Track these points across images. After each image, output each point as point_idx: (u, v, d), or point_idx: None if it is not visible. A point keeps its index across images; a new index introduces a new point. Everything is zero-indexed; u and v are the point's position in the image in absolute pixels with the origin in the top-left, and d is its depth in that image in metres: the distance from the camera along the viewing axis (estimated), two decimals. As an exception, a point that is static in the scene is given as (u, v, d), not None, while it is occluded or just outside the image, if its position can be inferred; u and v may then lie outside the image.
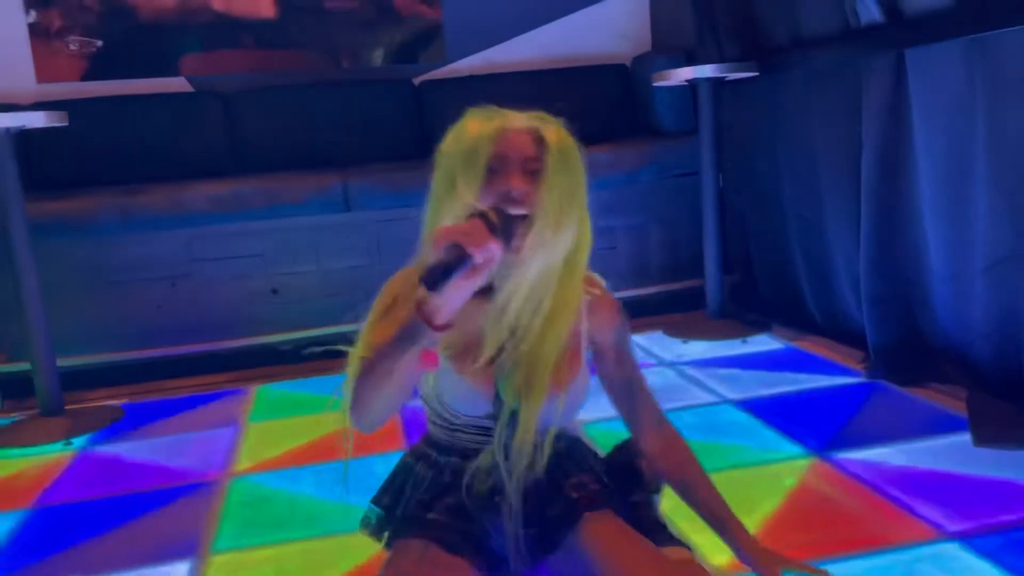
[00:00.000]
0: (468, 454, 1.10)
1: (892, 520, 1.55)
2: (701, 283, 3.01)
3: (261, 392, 2.68)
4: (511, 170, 1.01)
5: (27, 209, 2.40)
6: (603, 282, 1.20)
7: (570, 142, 1.07)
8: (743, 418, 2.13)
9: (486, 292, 1.04)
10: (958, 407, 2.02)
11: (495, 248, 0.92)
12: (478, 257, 0.90)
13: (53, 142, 3.04)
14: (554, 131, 1.05)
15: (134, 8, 3.43)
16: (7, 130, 2.31)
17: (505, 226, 0.97)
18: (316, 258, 3.04)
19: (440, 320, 0.92)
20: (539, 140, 1.03)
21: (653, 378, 2.49)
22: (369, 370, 1.01)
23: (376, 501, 1.20)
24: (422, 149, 3.94)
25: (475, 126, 1.05)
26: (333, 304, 3.05)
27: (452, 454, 1.13)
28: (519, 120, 1.05)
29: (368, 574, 1.46)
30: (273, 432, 2.30)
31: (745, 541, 1.07)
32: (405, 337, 0.95)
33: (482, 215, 0.96)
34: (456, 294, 0.91)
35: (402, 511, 1.14)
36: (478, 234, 0.91)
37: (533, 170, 1.02)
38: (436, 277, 0.89)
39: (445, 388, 1.10)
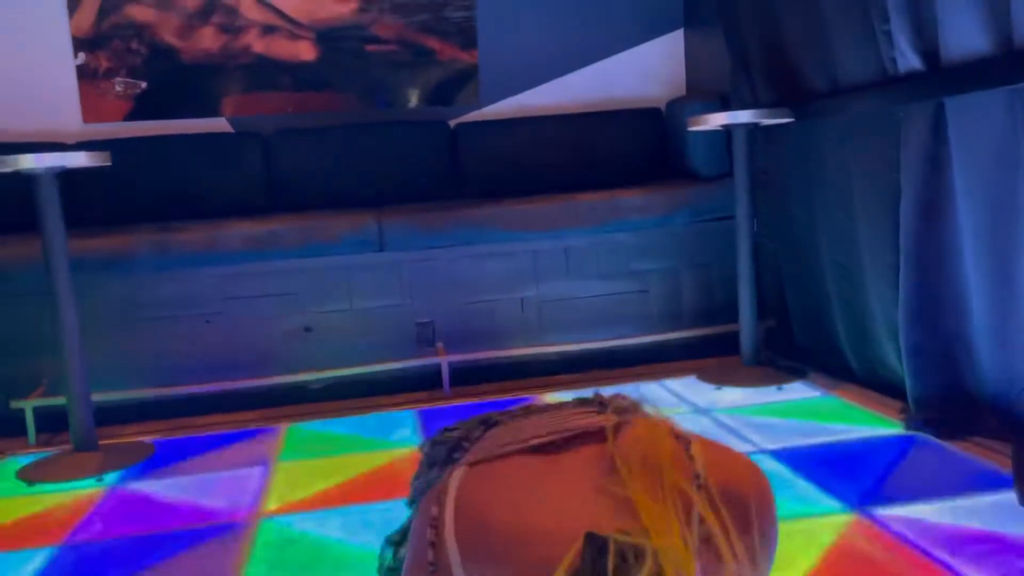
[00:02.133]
0: None
1: (935, 582, 1.50)
2: (735, 328, 2.98)
3: (292, 431, 2.68)
4: None
5: (68, 246, 2.45)
6: None
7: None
8: (779, 469, 2.08)
9: None
10: (1003, 463, 1.96)
11: None
12: None
13: (96, 180, 3.11)
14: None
15: (178, 51, 3.52)
16: (51, 169, 2.36)
17: None
18: (349, 297, 3.06)
19: None
20: None
21: (686, 425, 2.44)
22: None
23: (389, 540, 1.18)
24: (456, 190, 4.01)
25: None
26: (366, 343, 3.06)
27: None
28: None
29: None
30: (303, 472, 2.30)
31: None
32: None
33: None
34: None
35: None
36: None
37: None
38: None
39: None
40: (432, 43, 3.73)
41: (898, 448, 2.16)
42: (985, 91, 1.96)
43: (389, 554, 1.16)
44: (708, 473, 0.90)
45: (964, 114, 2.06)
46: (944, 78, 2.11)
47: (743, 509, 0.91)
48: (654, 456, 0.85)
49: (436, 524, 0.94)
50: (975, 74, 1.99)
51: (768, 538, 0.94)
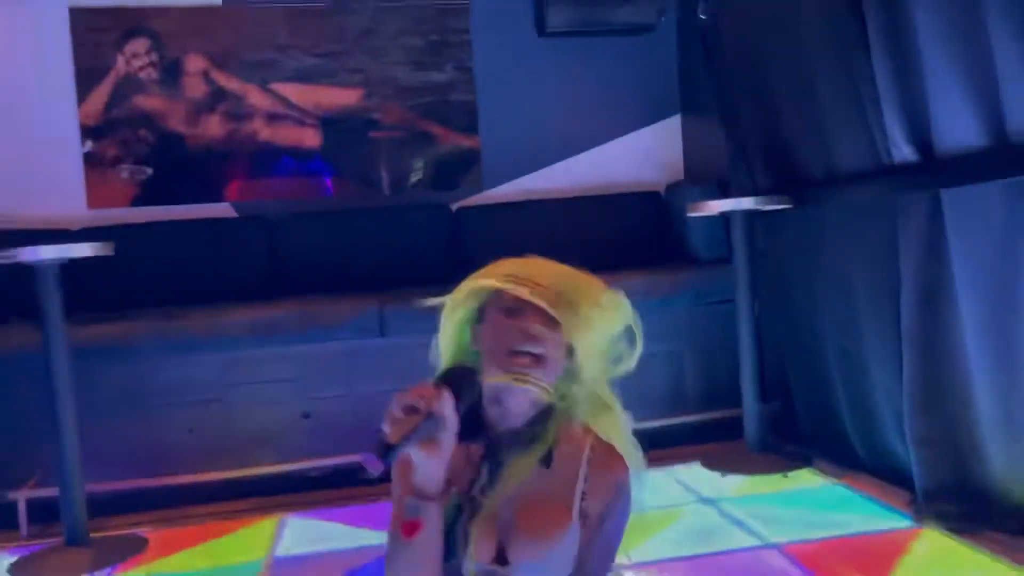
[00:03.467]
0: None
1: None
2: (739, 412, 2.94)
3: (290, 523, 2.62)
4: (528, 312, 1.08)
5: (69, 334, 2.44)
6: (629, 449, 1.18)
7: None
8: (788, 567, 2.02)
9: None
10: (1017, 558, 1.91)
11: (447, 400, 0.96)
12: (436, 410, 0.95)
13: (100, 265, 3.09)
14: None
15: (184, 138, 3.58)
16: (54, 261, 2.37)
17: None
18: (349, 383, 3.04)
19: (431, 488, 0.90)
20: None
21: (692, 517, 2.40)
22: (394, 550, 0.99)
23: None
24: (459, 275, 3.99)
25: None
26: (364, 430, 3.02)
27: None
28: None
29: None
30: (299, 567, 2.24)
31: None
32: (407, 512, 0.93)
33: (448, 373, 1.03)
34: (428, 460, 0.90)
35: None
36: (427, 392, 0.97)
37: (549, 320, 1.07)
38: (383, 450, 0.89)
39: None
40: (435, 128, 3.80)
41: (908, 542, 2.11)
42: (980, 184, 1.98)
43: None
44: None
45: (961, 205, 2.07)
46: (939, 170, 2.14)
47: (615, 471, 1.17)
48: None
49: None
50: (969, 167, 2.02)
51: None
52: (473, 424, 1.10)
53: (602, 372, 1.12)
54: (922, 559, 2.02)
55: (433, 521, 0.99)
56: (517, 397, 1.09)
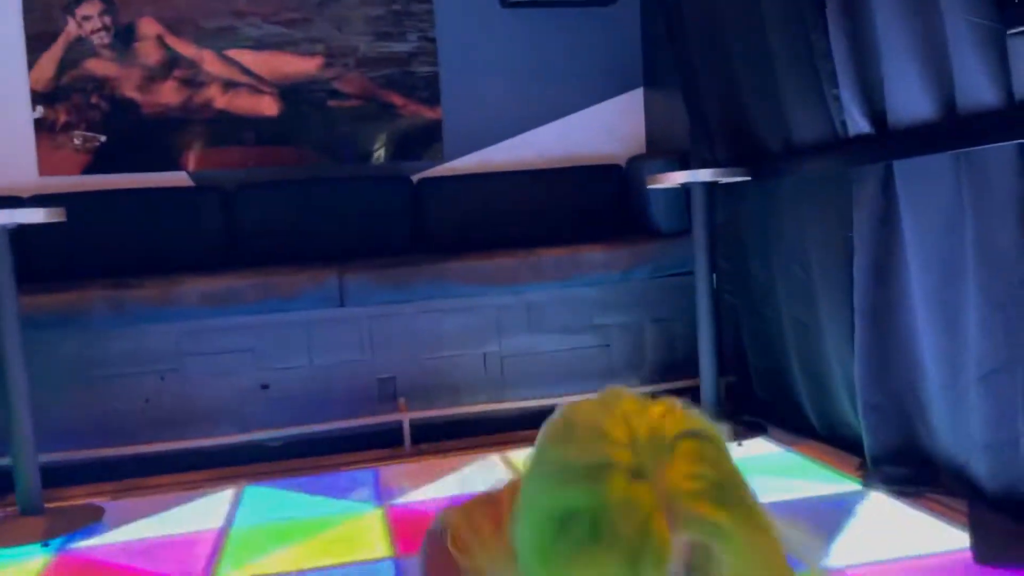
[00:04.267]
0: None
1: (895, 645, 1.49)
2: (697, 383, 2.99)
3: (247, 492, 2.61)
4: None
5: (20, 303, 2.39)
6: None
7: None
8: (739, 528, 2.07)
9: None
10: (959, 520, 1.98)
11: None
12: None
13: (51, 234, 3.04)
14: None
15: (139, 105, 3.51)
16: (3, 226, 2.32)
17: None
18: (308, 353, 3.02)
19: None
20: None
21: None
22: None
23: None
24: (419, 245, 4.00)
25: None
26: (325, 400, 3.02)
27: None
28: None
29: None
30: (258, 536, 2.24)
31: None
32: None
33: None
34: None
35: None
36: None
37: None
38: None
39: None
40: (396, 99, 3.77)
41: (855, 505, 2.17)
42: (931, 155, 2.03)
43: None
44: None
45: (912, 176, 2.12)
46: (891, 142, 2.18)
47: None
48: None
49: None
50: (920, 139, 2.06)
51: None
52: None
53: None
54: (869, 520, 2.08)
55: None
56: None
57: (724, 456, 0.74)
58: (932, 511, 2.08)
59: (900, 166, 2.15)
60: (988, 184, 1.88)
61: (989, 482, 1.97)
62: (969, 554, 1.80)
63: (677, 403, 0.77)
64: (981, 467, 1.99)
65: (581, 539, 0.67)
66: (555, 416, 0.79)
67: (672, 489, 0.68)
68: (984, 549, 1.78)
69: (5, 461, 2.46)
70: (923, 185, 2.08)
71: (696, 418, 0.75)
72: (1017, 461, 1.88)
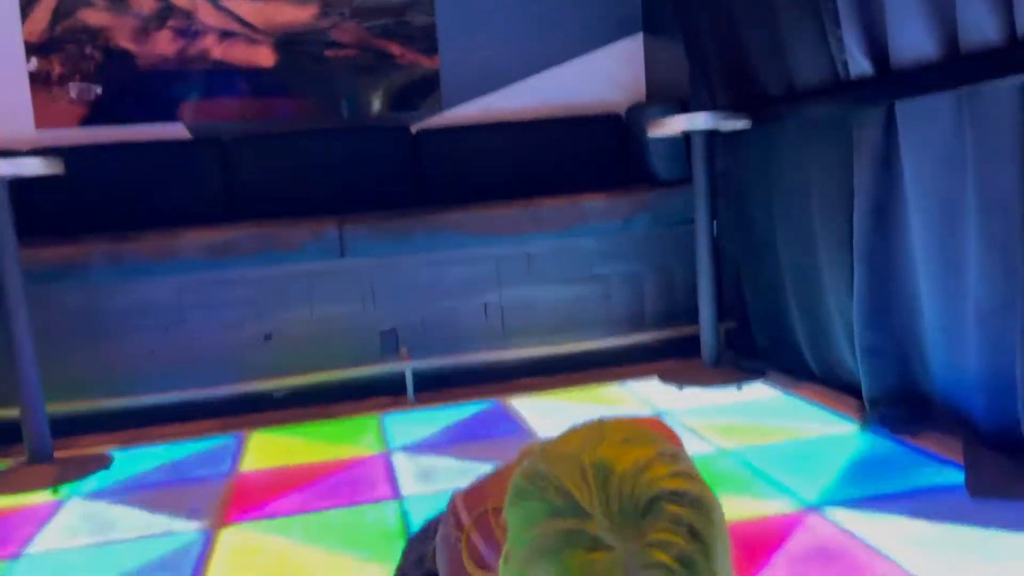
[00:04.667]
0: None
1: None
2: (697, 330, 3.01)
3: (253, 439, 2.65)
4: None
5: (21, 255, 2.40)
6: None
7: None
8: (738, 468, 2.11)
9: None
10: (955, 457, 2.01)
11: None
12: None
13: (50, 188, 3.04)
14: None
15: (134, 56, 3.48)
16: (2, 178, 2.32)
17: None
18: (310, 304, 3.04)
19: None
20: None
21: (648, 427, 2.47)
22: None
23: None
24: (418, 196, 3.99)
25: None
26: (328, 351, 3.04)
27: None
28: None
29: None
30: (264, 480, 2.28)
31: None
32: None
33: None
34: None
35: None
36: None
37: None
38: None
39: None
40: (393, 48, 3.73)
41: (854, 445, 2.20)
42: (932, 95, 2.01)
43: None
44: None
45: (914, 118, 2.11)
46: (893, 82, 2.16)
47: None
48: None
49: (458, 524, 0.95)
50: (922, 78, 2.04)
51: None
52: None
53: None
54: (865, 458, 2.11)
55: None
56: None
57: (705, 521, 0.71)
58: (928, 450, 2.11)
59: (902, 107, 2.14)
60: (990, 124, 1.87)
61: (984, 421, 1.99)
62: (963, 490, 1.83)
63: (665, 447, 0.75)
64: (977, 406, 2.01)
65: None
66: (531, 460, 0.76)
67: (637, 559, 0.68)
68: (978, 484, 1.81)
69: (14, 412, 2.49)
70: (925, 126, 2.07)
71: (681, 475, 0.73)
72: (1013, 400, 1.90)
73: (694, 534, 0.70)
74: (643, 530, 0.69)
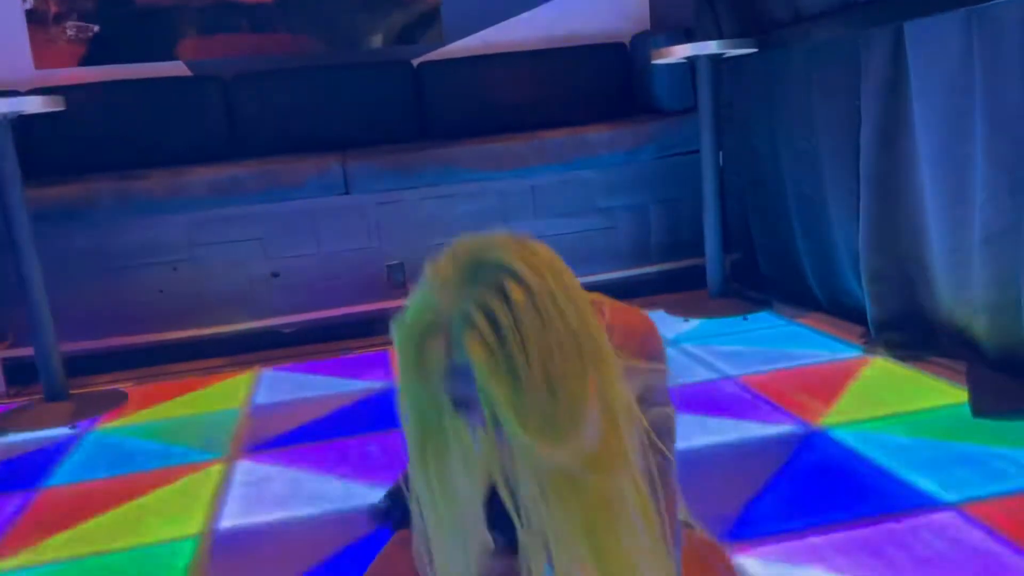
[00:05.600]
0: None
1: (891, 491, 1.56)
2: (702, 262, 3.01)
3: (264, 375, 2.69)
4: None
5: (27, 195, 2.41)
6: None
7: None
8: (743, 393, 2.13)
9: None
10: (958, 380, 2.03)
11: None
12: None
13: (51, 128, 3.04)
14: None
15: (131, -7, 3.42)
16: (4, 116, 2.31)
17: None
18: (316, 241, 3.05)
19: None
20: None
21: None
22: None
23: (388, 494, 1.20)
24: (421, 130, 3.94)
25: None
26: (335, 287, 3.06)
27: None
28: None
29: (370, 550, 1.47)
30: (276, 413, 2.32)
31: None
32: None
33: None
34: None
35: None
36: None
37: None
38: None
39: None
40: (393, -20, 3.65)
41: (857, 369, 2.22)
42: (942, 14, 1.97)
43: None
44: (612, 319, 0.95)
45: (922, 39, 2.07)
46: (902, 2, 2.12)
47: (638, 337, 0.97)
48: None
49: None
50: (932, -2, 2.00)
51: (657, 358, 0.98)
52: None
53: None
54: (869, 382, 2.13)
55: None
56: None
57: (533, 314, 0.73)
58: (932, 372, 2.13)
59: (910, 28, 2.10)
60: (1000, 42, 1.84)
61: (988, 343, 2.01)
62: (967, 409, 1.85)
63: (547, 251, 0.80)
64: (982, 328, 2.03)
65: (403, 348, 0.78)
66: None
67: (457, 314, 0.73)
68: (981, 402, 1.83)
69: (28, 351, 2.53)
70: (933, 47, 2.04)
71: (534, 266, 0.75)
72: (1018, 322, 1.91)
73: (517, 319, 0.72)
74: (470, 291, 0.73)
